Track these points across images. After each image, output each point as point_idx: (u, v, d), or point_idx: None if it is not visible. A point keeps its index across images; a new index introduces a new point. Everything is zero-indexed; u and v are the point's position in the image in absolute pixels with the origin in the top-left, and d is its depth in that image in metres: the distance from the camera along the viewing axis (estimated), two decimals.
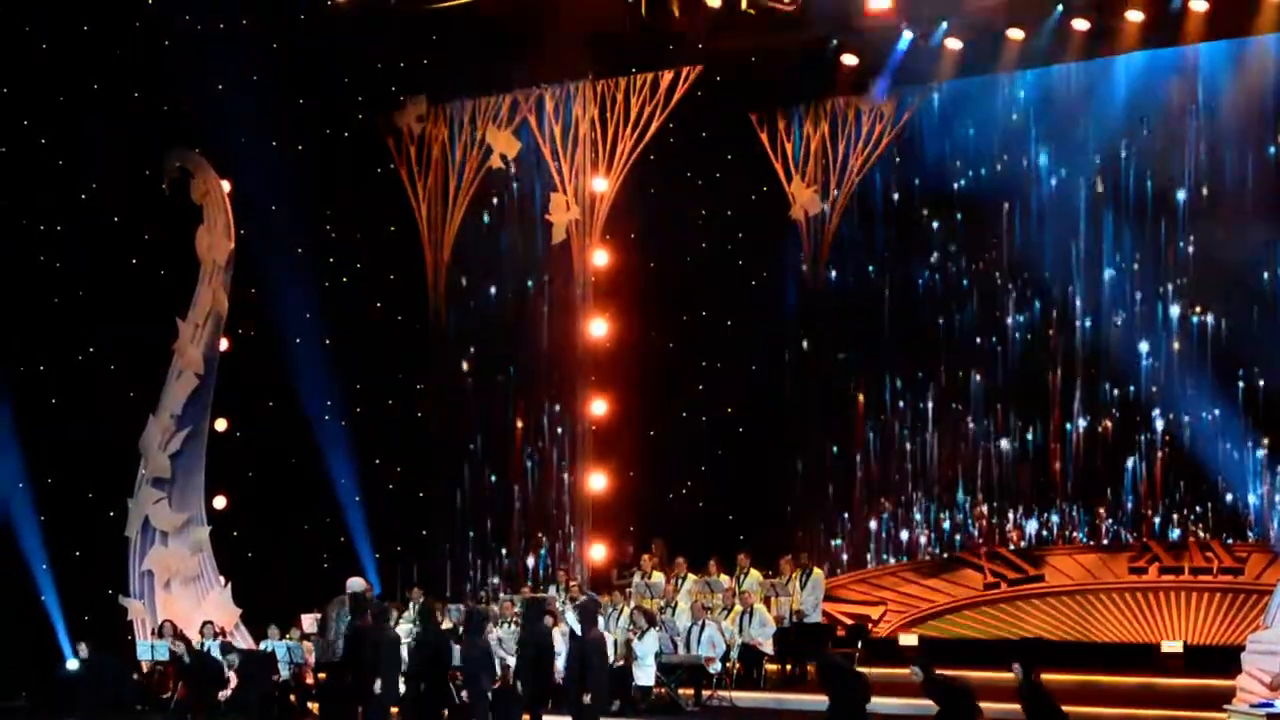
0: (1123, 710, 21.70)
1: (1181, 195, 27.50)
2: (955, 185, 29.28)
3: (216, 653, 24.78)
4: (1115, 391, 27.94)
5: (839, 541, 29.76)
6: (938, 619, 28.07)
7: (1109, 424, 27.97)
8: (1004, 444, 28.75)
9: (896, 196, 29.80)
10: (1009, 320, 28.90)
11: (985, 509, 28.71)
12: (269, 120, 27.46)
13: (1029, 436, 28.59)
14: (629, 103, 29.20)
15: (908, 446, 29.51)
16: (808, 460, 30.13)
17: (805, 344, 30.28)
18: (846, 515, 29.85)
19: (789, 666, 25.51)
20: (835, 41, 28.08)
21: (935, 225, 29.50)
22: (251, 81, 27.34)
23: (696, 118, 29.25)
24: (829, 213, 29.99)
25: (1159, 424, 27.55)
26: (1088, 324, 28.20)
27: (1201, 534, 27.06)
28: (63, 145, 27.18)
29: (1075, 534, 28.01)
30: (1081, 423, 28.15)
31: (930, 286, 29.50)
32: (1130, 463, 27.70)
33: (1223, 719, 19.12)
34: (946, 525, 29.01)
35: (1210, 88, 27.17)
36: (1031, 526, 28.42)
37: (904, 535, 29.33)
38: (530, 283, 30.31)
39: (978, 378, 29.06)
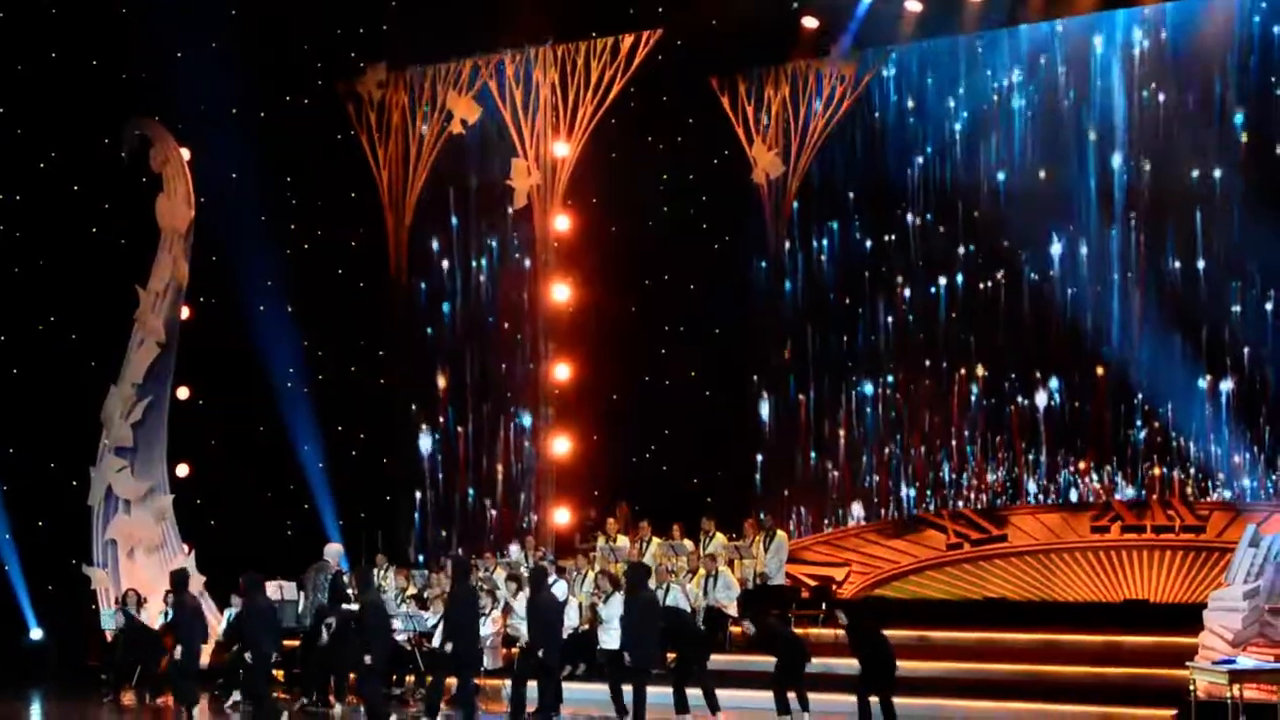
0: (1086, 669, 21.75)
1: (1151, 155, 27.58)
2: (917, 146, 29.27)
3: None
4: (1086, 350, 27.95)
5: (803, 504, 29.87)
6: (901, 579, 28.15)
7: (1078, 378, 28.01)
8: (970, 399, 28.79)
9: (858, 158, 29.76)
10: (974, 279, 28.90)
11: (951, 464, 28.81)
12: (228, 87, 27.36)
13: (997, 390, 28.62)
14: (589, 67, 29.13)
15: (873, 407, 29.54)
16: (771, 422, 30.17)
17: (768, 307, 30.28)
18: (810, 473, 29.92)
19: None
20: (796, 4, 28.08)
21: (897, 186, 29.48)
22: (211, 48, 27.26)
23: (657, 81, 29.18)
24: (791, 175, 29.98)
25: (1127, 381, 27.60)
26: (1052, 280, 28.17)
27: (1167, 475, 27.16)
28: (21, 114, 27.06)
29: (1047, 490, 28.12)
30: (1053, 380, 28.22)
31: (894, 247, 29.50)
32: (1098, 417, 27.82)
33: (1186, 676, 19.18)
34: (913, 485, 29.11)
35: (1174, 45, 27.27)
36: (997, 479, 28.52)
37: (871, 496, 29.41)
38: (492, 248, 30.28)
39: (943, 333, 29.10)
